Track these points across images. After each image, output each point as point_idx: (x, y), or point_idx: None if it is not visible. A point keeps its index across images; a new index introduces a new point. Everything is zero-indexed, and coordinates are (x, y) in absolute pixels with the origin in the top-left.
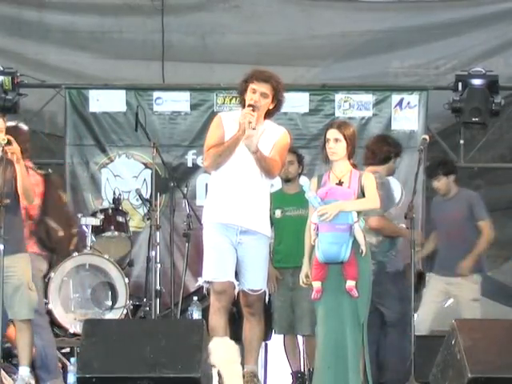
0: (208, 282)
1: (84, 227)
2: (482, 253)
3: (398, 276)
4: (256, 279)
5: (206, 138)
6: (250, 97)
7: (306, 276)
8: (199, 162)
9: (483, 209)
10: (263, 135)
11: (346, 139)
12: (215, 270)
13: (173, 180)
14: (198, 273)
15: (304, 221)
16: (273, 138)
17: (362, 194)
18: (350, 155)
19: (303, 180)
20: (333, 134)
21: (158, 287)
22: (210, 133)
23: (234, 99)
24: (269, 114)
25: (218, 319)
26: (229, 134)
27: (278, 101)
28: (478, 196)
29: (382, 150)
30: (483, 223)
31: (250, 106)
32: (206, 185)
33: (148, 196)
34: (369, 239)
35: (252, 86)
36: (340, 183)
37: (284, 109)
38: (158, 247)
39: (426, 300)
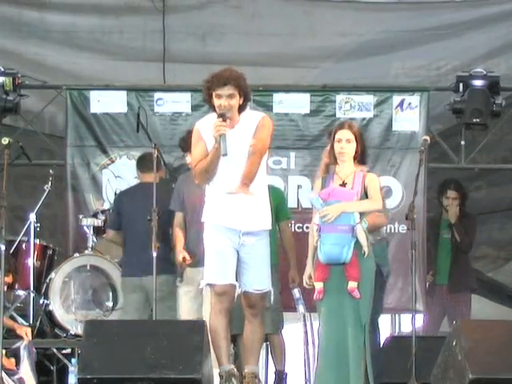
0: (209, 285)
1: (85, 228)
2: None
3: None
4: (260, 279)
5: (191, 155)
6: (217, 103)
7: (309, 277)
8: None
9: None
10: (242, 127)
11: (356, 139)
12: (216, 272)
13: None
14: None
15: None
16: (252, 124)
17: (366, 195)
18: (356, 155)
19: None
20: (345, 134)
21: None
22: (192, 149)
23: None
24: (241, 108)
25: (219, 321)
26: (209, 143)
27: (244, 93)
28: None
29: None
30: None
31: (219, 116)
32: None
33: None
34: None
35: (215, 92)
36: (343, 184)
37: (285, 109)
38: None
39: None
